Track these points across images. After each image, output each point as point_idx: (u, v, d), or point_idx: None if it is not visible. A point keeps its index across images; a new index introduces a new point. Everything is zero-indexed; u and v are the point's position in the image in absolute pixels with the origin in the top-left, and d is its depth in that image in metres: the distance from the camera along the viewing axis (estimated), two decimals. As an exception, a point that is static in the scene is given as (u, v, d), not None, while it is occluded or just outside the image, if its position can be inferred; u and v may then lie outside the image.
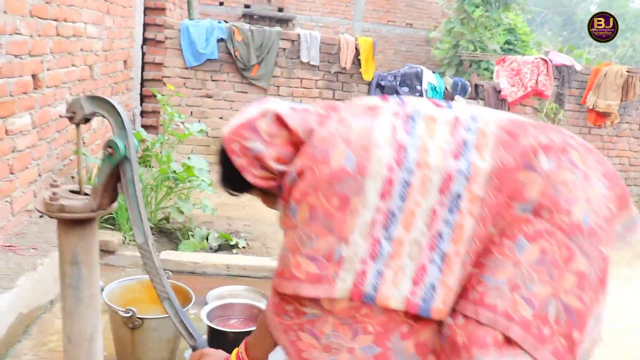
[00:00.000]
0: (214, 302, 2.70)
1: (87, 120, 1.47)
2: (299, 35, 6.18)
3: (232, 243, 3.91)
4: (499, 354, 1.12)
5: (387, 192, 1.17)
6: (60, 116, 1.54)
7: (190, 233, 3.95)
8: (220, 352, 1.70)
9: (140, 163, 3.83)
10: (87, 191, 1.53)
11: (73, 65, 3.82)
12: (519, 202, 1.16)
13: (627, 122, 7.83)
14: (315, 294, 1.20)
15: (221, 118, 5.99)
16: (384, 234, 1.17)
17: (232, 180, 1.40)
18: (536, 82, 7.20)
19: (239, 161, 1.33)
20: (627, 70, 7.30)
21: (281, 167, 1.31)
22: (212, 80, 5.89)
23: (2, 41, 2.72)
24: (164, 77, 5.72)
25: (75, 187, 1.54)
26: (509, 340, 1.13)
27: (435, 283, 1.17)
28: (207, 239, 3.94)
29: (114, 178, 1.44)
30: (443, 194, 1.17)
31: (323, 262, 1.20)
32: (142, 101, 6.07)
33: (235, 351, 1.60)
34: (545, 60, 7.27)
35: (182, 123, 3.92)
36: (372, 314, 1.21)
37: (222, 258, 3.56)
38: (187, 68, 5.76)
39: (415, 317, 1.21)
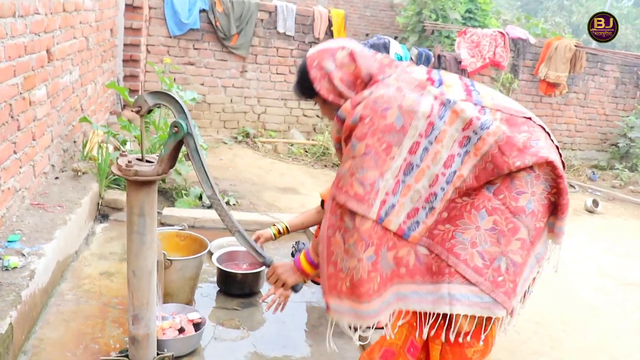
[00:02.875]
0: (221, 249, 3.18)
1: (150, 111, 1.89)
2: (275, 7, 6.51)
3: (224, 201, 4.35)
4: (462, 288, 1.65)
5: (414, 150, 1.65)
6: (132, 110, 1.94)
7: (184, 192, 4.38)
8: (288, 262, 2.14)
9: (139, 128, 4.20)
10: (149, 159, 1.97)
11: (74, 38, 4.12)
12: (489, 184, 1.66)
13: (574, 92, 8.51)
14: (356, 209, 1.65)
15: (202, 84, 6.34)
16: (402, 177, 1.66)
17: (303, 88, 1.88)
18: (494, 53, 7.76)
19: (313, 73, 1.81)
20: (576, 45, 7.93)
21: (342, 87, 1.79)
22: (194, 48, 6.21)
23: (27, 21, 3.05)
24: (148, 45, 5.99)
25: (138, 156, 1.97)
26: (469, 282, 1.65)
27: (420, 221, 1.69)
28: (200, 197, 4.37)
29: (176, 150, 1.88)
30: (445, 167, 1.66)
31: (368, 188, 1.64)
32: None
33: (302, 253, 2.06)
34: (502, 34, 7.81)
35: (177, 92, 4.28)
36: (378, 232, 1.67)
37: (218, 214, 4.02)
38: (170, 37, 6.05)
39: (399, 238, 1.70)
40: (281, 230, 2.84)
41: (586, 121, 8.77)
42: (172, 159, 1.91)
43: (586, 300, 3.71)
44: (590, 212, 6.43)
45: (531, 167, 1.66)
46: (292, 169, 6.33)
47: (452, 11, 11.45)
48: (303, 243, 3.49)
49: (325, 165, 6.71)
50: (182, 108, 1.84)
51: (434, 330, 1.74)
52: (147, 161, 1.97)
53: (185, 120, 1.83)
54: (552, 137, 1.77)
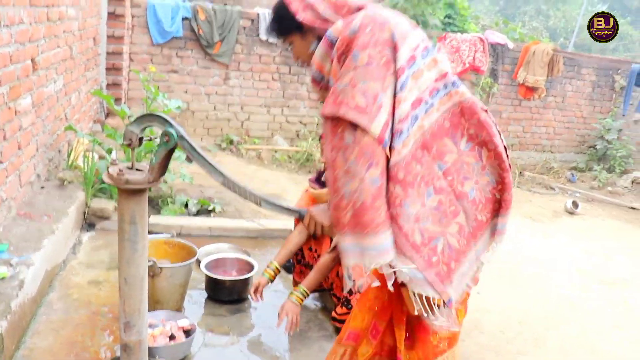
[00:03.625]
0: (209, 256, 3.21)
1: (141, 140, 1.92)
2: (258, 14, 6.56)
3: (209, 208, 4.38)
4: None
5: (402, 71, 1.61)
6: (124, 145, 1.96)
7: (170, 200, 4.39)
8: (321, 205, 2.01)
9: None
10: (138, 167, 2.00)
11: (58, 47, 4.12)
12: (440, 161, 1.66)
13: (552, 96, 8.67)
14: (358, 120, 1.57)
15: (186, 92, 6.36)
16: (399, 97, 1.61)
17: (281, 24, 1.85)
18: (473, 58, 7.88)
19: (294, 5, 1.78)
20: (553, 49, 8.09)
21: (328, 13, 1.76)
22: (177, 56, 6.23)
23: (12, 31, 3.05)
24: (131, 53, 5.99)
25: (129, 164, 2.00)
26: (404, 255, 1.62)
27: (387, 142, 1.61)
28: (186, 205, 4.39)
29: (167, 158, 1.91)
30: (412, 107, 1.61)
31: (370, 100, 1.58)
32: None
33: None
34: (481, 39, 7.95)
35: (163, 101, 4.30)
36: (381, 154, 1.60)
37: (205, 221, 4.05)
38: (153, 45, 6.06)
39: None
40: (274, 273, 2.85)
41: (564, 124, 8.93)
42: (163, 167, 1.94)
43: (567, 299, 3.80)
44: (571, 213, 6.56)
45: (480, 155, 1.68)
46: (276, 176, 6.36)
47: (431, 17, 11.62)
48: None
49: (309, 172, 6.75)
50: (167, 120, 1.88)
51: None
52: (137, 169, 1.99)
53: (173, 129, 1.86)
54: (502, 137, 1.79)
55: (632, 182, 7.97)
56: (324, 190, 2.81)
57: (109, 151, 4.27)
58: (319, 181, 2.96)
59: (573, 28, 24.57)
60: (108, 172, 1.94)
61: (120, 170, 1.91)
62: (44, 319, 2.60)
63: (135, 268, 2.03)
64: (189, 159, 1.94)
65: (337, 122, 1.61)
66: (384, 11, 1.73)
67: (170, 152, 1.91)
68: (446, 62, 1.71)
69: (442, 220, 1.65)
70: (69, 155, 4.26)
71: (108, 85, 6.38)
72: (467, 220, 1.69)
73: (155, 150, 1.91)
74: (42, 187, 3.60)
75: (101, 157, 4.31)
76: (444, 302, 1.65)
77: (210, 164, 1.91)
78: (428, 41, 1.73)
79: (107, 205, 3.78)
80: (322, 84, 1.82)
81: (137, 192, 1.95)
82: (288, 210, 2.01)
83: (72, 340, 2.47)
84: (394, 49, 1.61)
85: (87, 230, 3.68)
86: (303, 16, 1.78)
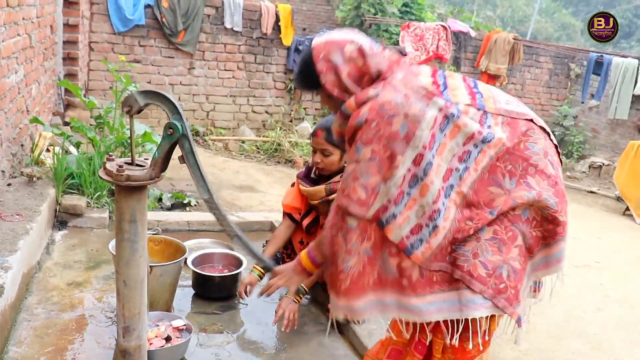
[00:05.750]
0: (193, 252, 3.09)
1: (140, 110, 1.80)
2: (222, 2, 6.38)
3: (185, 202, 4.24)
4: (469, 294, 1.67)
5: (418, 162, 1.64)
6: (123, 110, 1.83)
7: (142, 195, 4.22)
8: (289, 264, 2.10)
9: (93, 130, 4.01)
10: (139, 162, 1.87)
11: (18, 35, 3.88)
12: (490, 208, 1.66)
13: (512, 84, 8.84)
14: (358, 213, 1.68)
15: (149, 82, 6.13)
16: (407, 189, 1.65)
17: (307, 80, 1.84)
18: (437, 47, 7.93)
19: (320, 66, 1.77)
20: (514, 38, 8.23)
21: (349, 83, 1.75)
22: (140, 45, 6.00)
23: (-26, 18, 2.84)
24: (91, 42, 5.73)
25: (128, 160, 1.87)
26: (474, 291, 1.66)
27: (423, 239, 1.67)
28: (160, 199, 4.23)
29: (170, 152, 1.80)
30: (444, 181, 1.66)
31: (369, 192, 1.67)
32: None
33: (304, 252, 2.01)
34: (444, 27, 8.00)
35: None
36: (378, 231, 1.70)
37: (183, 215, 3.91)
38: (115, 33, 5.81)
39: (402, 251, 1.70)
40: (263, 269, 2.76)
41: (524, 111, 9.11)
42: (165, 161, 1.82)
43: (546, 283, 3.85)
44: (535, 198, 6.69)
45: (528, 185, 1.67)
46: (246, 167, 6.24)
47: (389, 5, 11.64)
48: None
49: (278, 162, 6.65)
50: (177, 108, 1.77)
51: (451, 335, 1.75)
52: (138, 165, 1.87)
53: (180, 121, 1.75)
54: (552, 137, 1.81)
55: (590, 166, 8.23)
56: (318, 188, 2.76)
57: (77, 145, 4.06)
58: (309, 177, 2.88)
59: (520, 17, 25.21)
60: (105, 168, 1.82)
61: (119, 166, 1.79)
62: (26, 326, 2.44)
63: (135, 269, 1.91)
64: (182, 159, 1.83)
65: (339, 206, 1.75)
66: (398, 92, 1.69)
67: (174, 145, 1.79)
68: (471, 124, 1.67)
69: (502, 248, 1.68)
70: (33, 150, 4.03)
71: (65, 75, 6.08)
72: (525, 239, 1.71)
73: (158, 144, 1.80)
74: (9, 185, 3.39)
75: (67, 152, 4.09)
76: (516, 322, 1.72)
77: (202, 176, 1.82)
78: (448, 106, 1.68)
79: (79, 201, 3.59)
80: (342, 144, 1.89)
81: (137, 188, 1.83)
82: (256, 257, 2.05)
83: (60, 347, 2.32)
84: (405, 139, 1.64)
85: (60, 229, 3.49)
86: (325, 79, 1.79)
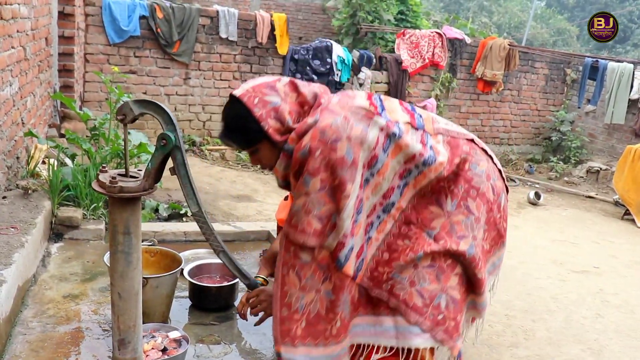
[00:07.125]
0: (189, 263, 3.07)
1: (135, 119, 1.79)
2: (217, 12, 6.40)
3: (181, 212, 4.22)
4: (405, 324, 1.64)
5: (362, 184, 1.62)
6: (117, 119, 1.82)
7: (139, 206, 4.20)
8: (272, 288, 2.01)
9: (88, 141, 4.01)
10: (132, 174, 1.86)
11: (12, 48, 3.87)
12: (428, 229, 1.66)
13: (508, 89, 8.86)
14: (314, 244, 1.62)
15: (145, 93, 6.13)
16: (356, 217, 1.61)
17: (243, 135, 1.73)
18: (433, 54, 7.95)
19: (259, 111, 1.66)
20: (509, 44, 8.25)
21: (291, 121, 1.67)
22: (135, 56, 6.00)
23: (-33, 31, 2.83)
24: (86, 54, 5.74)
25: (121, 171, 1.86)
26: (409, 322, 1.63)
27: (363, 258, 1.65)
28: (156, 209, 4.22)
29: (163, 163, 1.79)
30: (384, 198, 1.65)
31: (325, 222, 1.61)
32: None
33: None
34: (440, 34, 8.02)
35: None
36: (335, 270, 1.63)
37: (179, 226, 3.89)
38: (110, 45, 5.81)
39: (352, 280, 1.66)
40: (247, 287, 2.70)
41: (520, 117, 9.14)
42: (159, 172, 1.82)
43: (546, 290, 3.84)
44: (534, 204, 6.70)
45: (468, 210, 1.69)
46: (243, 176, 6.23)
47: (385, 13, 11.69)
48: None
49: (276, 171, 6.64)
50: (171, 119, 1.76)
51: None
52: (131, 176, 1.86)
53: (173, 132, 1.75)
54: (495, 160, 1.79)
55: (587, 171, 8.23)
56: None
57: (73, 157, 4.05)
58: None
59: (516, 24, 25.29)
60: (98, 180, 1.81)
61: (112, 178, 1.77)
62: (21, 339, 2.42)
63: (130, 281, 1.90)
64: (172, 171, 1.83)
65: (291, 242, 1.65)
66: (337, 115, 1.65)
67: (167, 156, 1.78)
68: (413, 144, 1.66)
69: (440, 277, 1.65)
70: (28, 163, 4.02)
71: (60, 87, 6.08)
72: (464, 271, 1.69)
73: (151, 155, 1.79)
74: (4, 197, 3.38)
75: (62, 164, 4.08)
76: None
77: (192, 188, 1.81)
78: (389, 126, 1.65)
79: (74, 213, 3.57)
80: (289, 189, 1.83)
81: (131, 200, 1.82)
82: (240, 274, 2.04)
83: (55, 361, 2.30)
84: (353, 165, 1.60)
85: (55, 241, 3.47)
86: (267, 126, 1.68)
